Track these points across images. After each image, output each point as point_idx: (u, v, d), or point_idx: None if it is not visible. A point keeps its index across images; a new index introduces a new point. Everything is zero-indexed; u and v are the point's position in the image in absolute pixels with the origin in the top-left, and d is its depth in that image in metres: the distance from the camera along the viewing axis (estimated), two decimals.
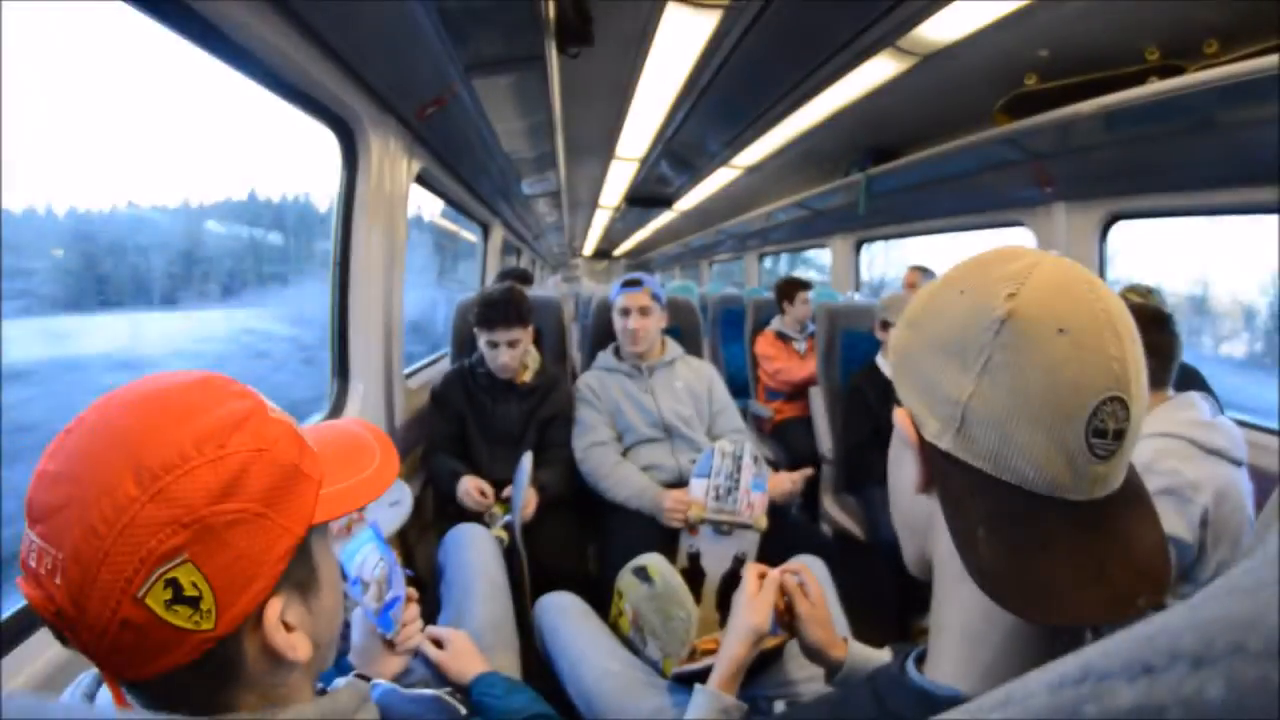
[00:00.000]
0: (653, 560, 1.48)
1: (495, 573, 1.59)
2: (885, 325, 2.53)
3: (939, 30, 2.19)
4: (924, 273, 3.71)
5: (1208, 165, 2.24)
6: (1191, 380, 2.13)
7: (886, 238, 4.99)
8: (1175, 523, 1.36)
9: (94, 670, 0.58)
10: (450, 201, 3.57)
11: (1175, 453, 1.41)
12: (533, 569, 1.79)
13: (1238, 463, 1.45)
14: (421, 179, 2.63)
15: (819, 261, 7.06)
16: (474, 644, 1.17)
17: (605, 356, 2.38)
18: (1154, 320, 1.50)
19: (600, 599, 1.61)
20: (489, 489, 1.99)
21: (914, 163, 3.30)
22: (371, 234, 2.16)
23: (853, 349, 2.81)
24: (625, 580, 1.49)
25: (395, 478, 0.65)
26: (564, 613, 1.50)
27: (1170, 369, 1.55)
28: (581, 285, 9.33)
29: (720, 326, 4.74)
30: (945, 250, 4.44)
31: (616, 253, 13.89)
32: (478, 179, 3.47)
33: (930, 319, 0.58)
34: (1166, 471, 1.38)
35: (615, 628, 1.50)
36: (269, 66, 1.55)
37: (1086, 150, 2.53)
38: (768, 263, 7.97)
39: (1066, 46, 2.20)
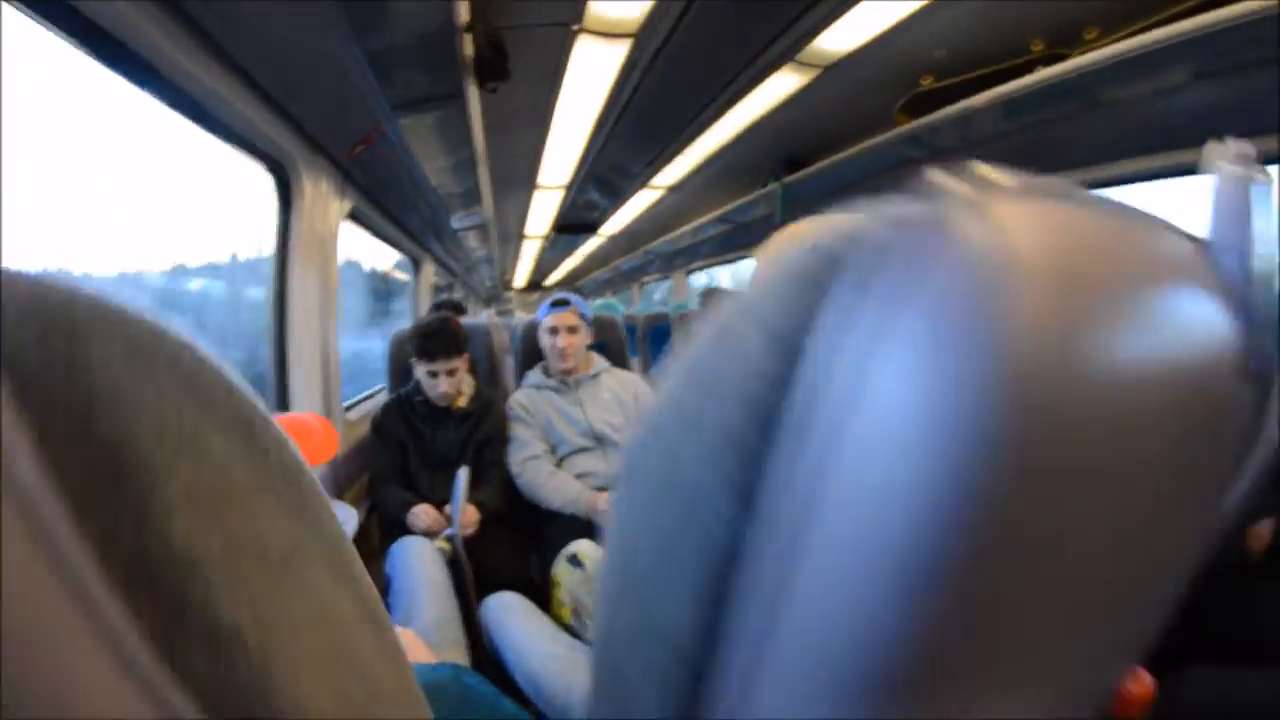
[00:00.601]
0: (583, 546, 1.59)
1: (439, 578, 1.68)
2: None
3: (836, 42, 2.32)
4: None
5: (1097, 142, 2.44)
6: None
7: None
8: None
9: None
10: (382, 238, 3.61)
11: None
12: (477, 578, 1.85)
13: None
14: (354, 216, 2.67)
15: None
16: (422, 640, 1.17)
17: (534, 375, 2.48)
18: None
19: (544, 602, 1.69)
20: (438, 514, 2.06)
21: (824, 169, 3.45)
22: (308, 272, 2.21)
23: None
24: (560, 568, 1.59)
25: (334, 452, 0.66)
26: (509, 609, 1.57)
27: None
28: (515, 319, 9.40)
29: (650, 344, 4.86)
30: None
31: (548, 282, 13.95)
32: (407, 215, 3.51)
33: None
34: None
35: (558, 619, 1.57)
36: (209, 109, 1.62)
37: (983, 141, 2.72)
38: (703, 278, 8.14)
39: (958, 47, 2.36)
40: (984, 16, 2.17)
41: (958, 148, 2.85)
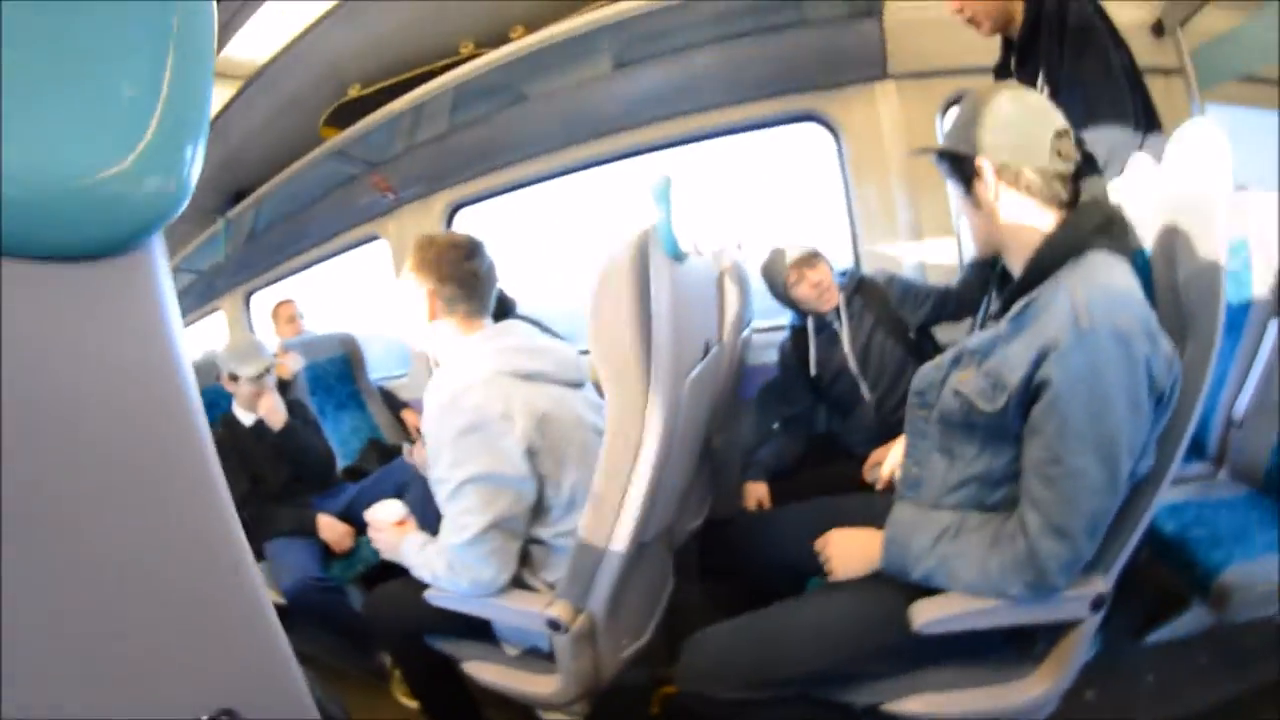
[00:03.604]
0: None
1: None
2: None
3: (248, 51, 1.94)
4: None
5: (530, 138, 2.58)
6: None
7: (277, 279, 4.24)
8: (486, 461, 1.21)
9: None
10: None
11: (477, 385, 1.23)
12: None
13: (575, 384, 1.39)
14: None
15: None
16: None
17: None
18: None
19: None
20: None
21: (263, 197, 2.93)
22: None
23: None
24: None
25: None
26: None
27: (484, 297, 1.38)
28: None
29: None
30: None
31: None
32: None
33: None
34: (469, 408, 1.21)
35: None
36: None
37: (416, 148, 2.64)
38: None
39: (386, 52, 2.20)
40: (412, 22, 2.05)
41: (389, 158, 2.71)
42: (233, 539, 0.38)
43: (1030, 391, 0.93)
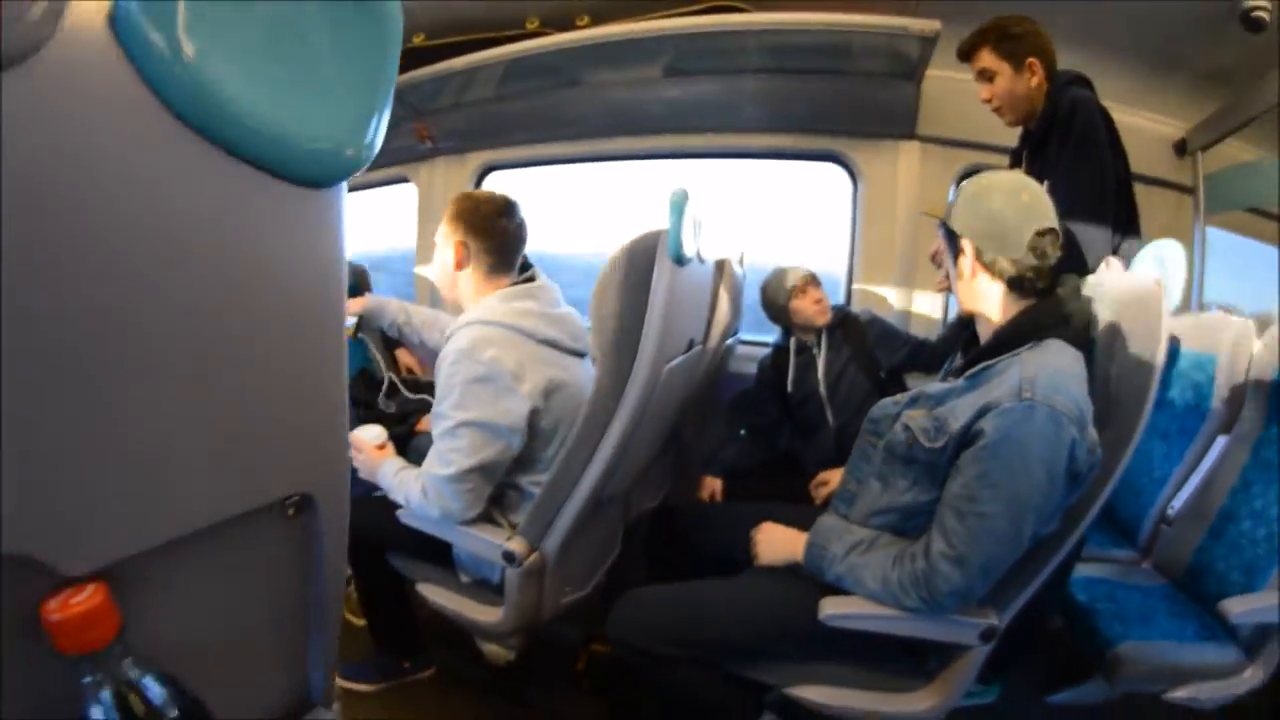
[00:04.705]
0: None
1: None
2: None
3: None
4: None
5: (574, 120, 2.70)
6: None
7: None
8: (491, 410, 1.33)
9: None
10: None
11: (497, 341, 1.35)
12: None
13: (580, 354, 1.50)
14: None
15: None
16: None
17: None
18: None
19: None
20: None
21: None
22: None
23: None
24: None
25: None
26: None
27: (513, 256, 1.50)
28: None
29: None
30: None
31: None
32: None
33: None
34: (485, 361, 1.32)
35: None
36: None
37: (476, 105, 2.76)
38: None
39: (456, 11, 2.31)
40: None
41: (436, 110, 2.82)
42: (339, 375, 0.53)
43: (967, 438, 1.07)
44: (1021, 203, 1.14)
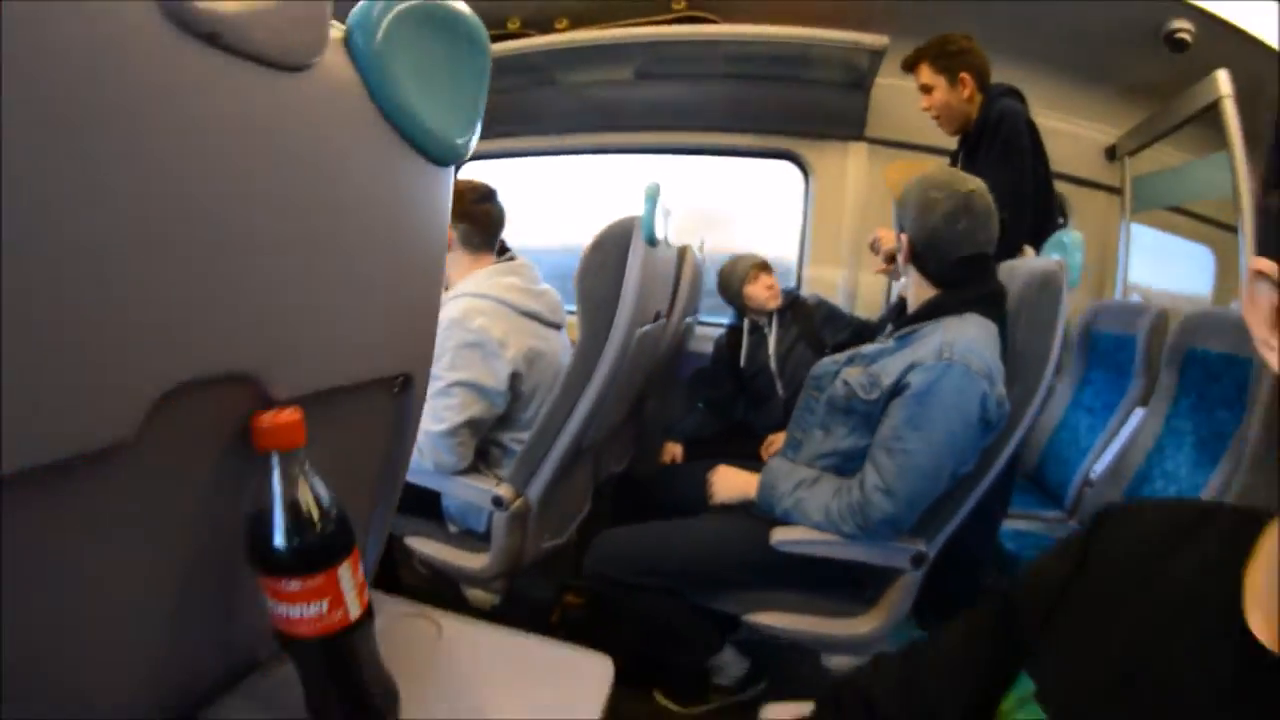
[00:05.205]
0: None
1: None
2: None
3: None
4: None
5: (548, 115, 2.85)
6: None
7: None
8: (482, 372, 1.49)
9: None
10: None
11: (485, 311, 1.51)
12: None
13: (556, 325, 1.68)
14: None
15: None
16: None
17: None
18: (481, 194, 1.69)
19: None
20: None
21: None
22: None
23: None
24: None
25: None
26: None
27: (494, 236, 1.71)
28: None
29: None
30: None
31: None
32: None
33: None
34: (475, 329, 1.47)
35: None
36: None
37: None
38: None
39: None
40: None
41: None
42: (438, 286, 0.74)
43: (896, 390, 1.26)
44: (958, 229, 1.31)
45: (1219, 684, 0.39)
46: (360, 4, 0.53)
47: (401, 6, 0.54)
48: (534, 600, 1.95)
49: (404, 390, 0.72)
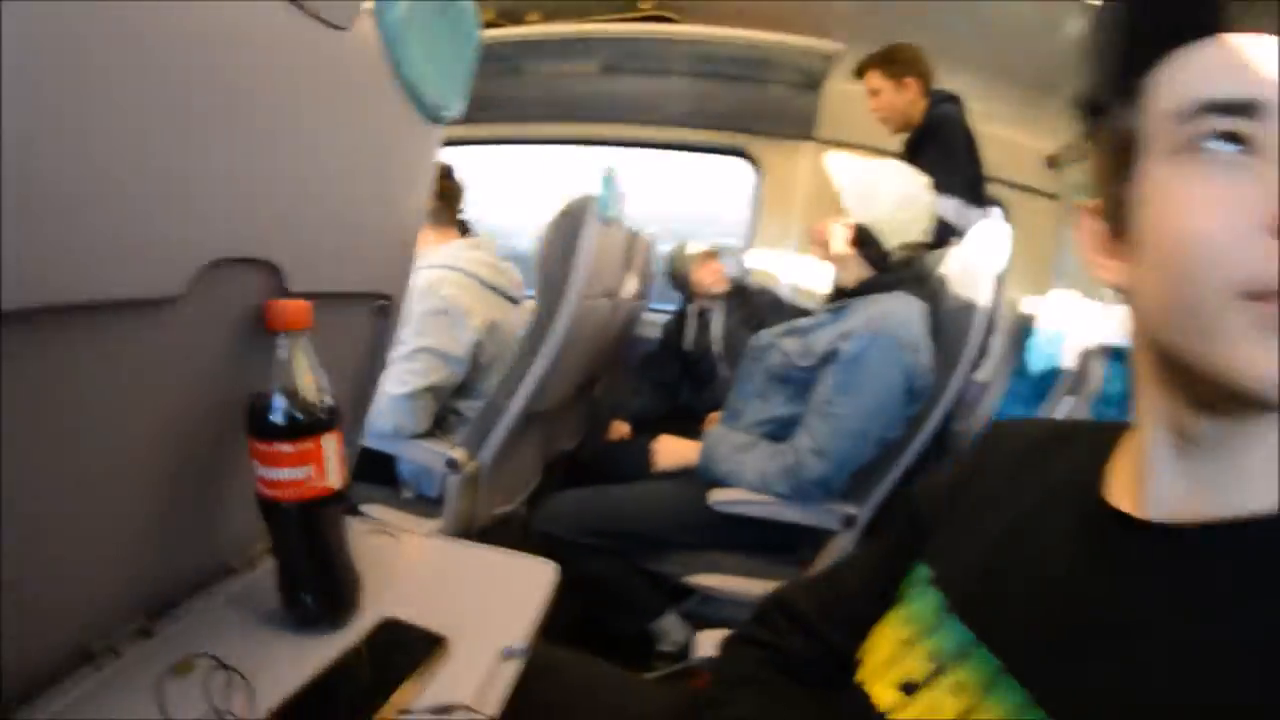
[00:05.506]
0: None
1: None
2: None
3: None
4: None
5: (514, 104, 2.90)
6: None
7: None
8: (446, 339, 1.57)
9: None
10: None
11: (454, 282, 1.59)
12: None
13: (514, 300, 1.77)
14: None
15: None
16: None
17: None
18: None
19: None
20: None
21: None
22: None
23: None
24: None
25: None
26: None
27: (456, 211, 1.79)
28: None
29: None
30: None
31: None
32: None
33: None
34: (443, 297, 1.55)
35: None
36: None
37: None
38: None
39: None
40: None
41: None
42: (419, 222, 0.85)
43: (828, 358, 1.34)
44: (898, 220, 1.42)
45: (1080, 546, 0.47)
46: None
47: None
48: None
49: (383, 313, 0.82)
